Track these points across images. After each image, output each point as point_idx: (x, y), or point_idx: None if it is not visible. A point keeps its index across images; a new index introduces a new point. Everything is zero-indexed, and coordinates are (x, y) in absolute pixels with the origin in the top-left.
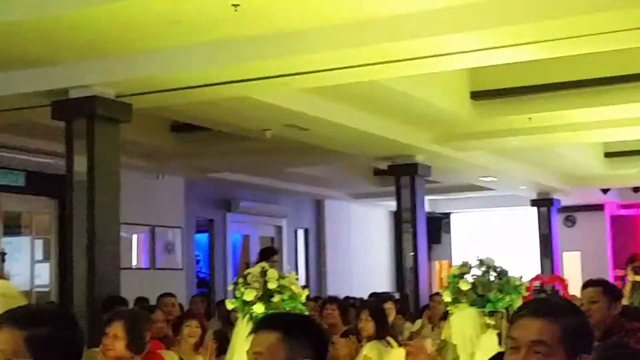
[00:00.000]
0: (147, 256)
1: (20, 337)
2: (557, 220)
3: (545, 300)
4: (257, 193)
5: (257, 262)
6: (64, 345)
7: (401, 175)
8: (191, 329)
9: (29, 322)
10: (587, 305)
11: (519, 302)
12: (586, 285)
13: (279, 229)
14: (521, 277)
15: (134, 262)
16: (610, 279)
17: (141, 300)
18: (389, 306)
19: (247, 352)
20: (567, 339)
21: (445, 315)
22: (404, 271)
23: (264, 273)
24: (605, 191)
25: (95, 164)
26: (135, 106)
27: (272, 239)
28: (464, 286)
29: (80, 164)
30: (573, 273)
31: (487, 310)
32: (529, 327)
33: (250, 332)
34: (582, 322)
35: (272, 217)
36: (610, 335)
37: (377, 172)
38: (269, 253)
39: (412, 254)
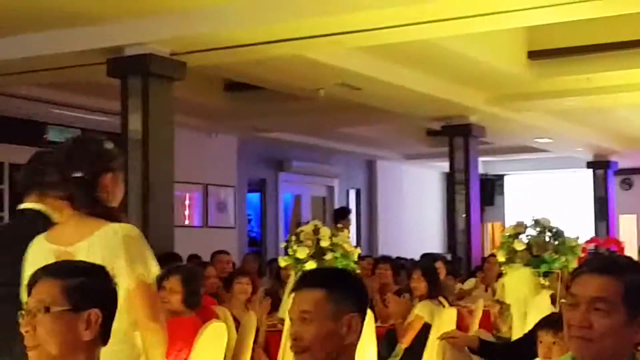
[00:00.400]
0: (200, 214)
1: (57, 287)
2: (614, 183)
3: (608, 257)
4: (309, 153)
5: (335, 222)
6: (98, 294)
7: (454, 136)
8: (242, 286)
9: (66, 273)
10: None
11: (574, 264)
12: None
13: (330, 189)
14: (577, 238)
15: (187, 220)
16: None
17: (194, 258)
18: (439, 265)
19: (289, 311)
20: (629, 297)
21: (499, 276)
22: (456, 233)
23: (316, 231)
24: None
25: (149, 122)
26: (189, 64)
27: (323, 199)
28: (519, 246)
29: (134, 122)
30: (629, 236)
31: (541, 270)
32: (590, 283)
33: (292, 290)
34: None
35: (324, 177)
36: None
37: (430, 133)
38: (344, 213)
39: (465, 215)
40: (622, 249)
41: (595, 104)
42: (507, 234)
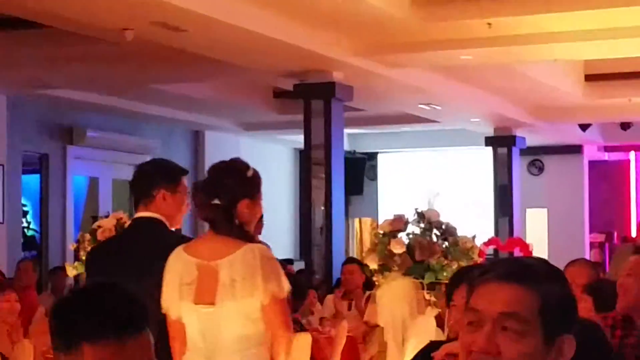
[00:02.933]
0: None
1: None
2: (520, 165)
3: (520, 261)
4: (111, 119)
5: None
6: None
7: (312, 99)
8: (6, 306)
9: None
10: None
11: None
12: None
13: None
14: (474, 237)
15: None
16: (585, 247)
17: None
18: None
19: None
20: (546, 314)
21: (368, 288)
22: (312, 231)
23: (120, 227)
24: (584, 128)
25: None
26: None
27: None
28: (397, 248)
29: None
30: (538, 236)
31: (426, 281)
32: (498, 295)
33: None
34: (566, 293)
35: (132, 154)
36: None
37: (279, 94)
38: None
39: (324, 207)
40: (529, 255)
41: (498, 58)
42: (381, 232)
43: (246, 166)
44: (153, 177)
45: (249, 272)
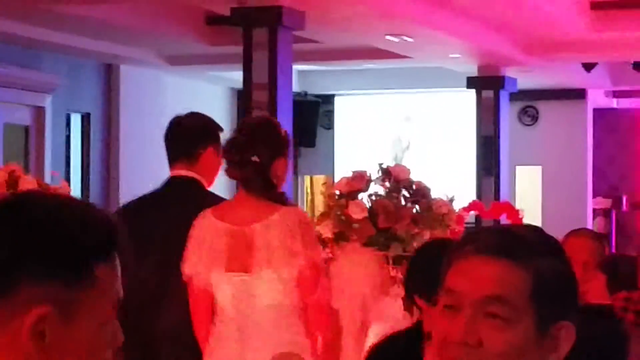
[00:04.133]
0: None
1: None
2: (509, 113)
3: (508, 230)
4: (1, 49)
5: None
6: None
7: (253, 27)
8: None
9: None
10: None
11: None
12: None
13: (38, 112)
14: (451, 201)
15: None
16: (587, 214)
17: None
18: None
19: None
20: (540, 296)
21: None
22: None
23: (13, 183)
24: (588, 68)
25: None
26: None
27: (25, 130)
28: (357, 212)
29: None
30: (531, 201)
31: (392, 254)
32: (480, 273)
33: None
34: (564, 270)
35: (29, 92)
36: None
37: (212, 20)
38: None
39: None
40: (519, 223)
41: None
42: (338, 192)
43: (278, 123)
44: (201, 133)
45: (289, 237)
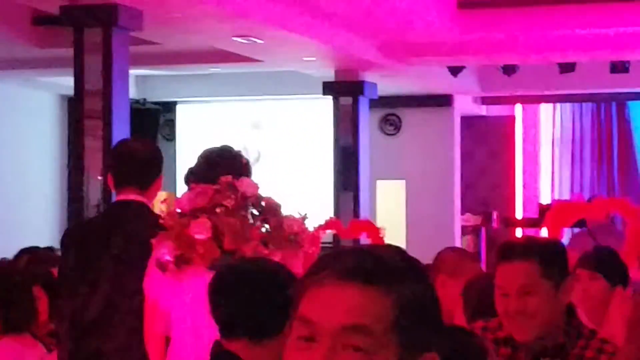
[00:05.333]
0: None
1: None
2: (369, 121)
3: (368, 251)
4: None
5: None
6: None
7: (85, 27)
8: None
9: None
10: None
11: (297, 267)
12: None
13: None
14: (304, 218)
15: None
16: (455, 232)
17: None
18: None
19: None
20: (403, 325)
21: None
22: (85, 210)
23: None
24: (455, 72)
25: None
26: None
27: None
28: (200, 233)
29: None
30: (393, 217)
31: None
32: (338, 300)
33: None
34: (429, 296)
35: None
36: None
37: (40, 20)
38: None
39: (101, 177)
40: (380, 243)
41: None
42: (179, 210)
43: (241, 153)
44: (157, 163)
45: None
